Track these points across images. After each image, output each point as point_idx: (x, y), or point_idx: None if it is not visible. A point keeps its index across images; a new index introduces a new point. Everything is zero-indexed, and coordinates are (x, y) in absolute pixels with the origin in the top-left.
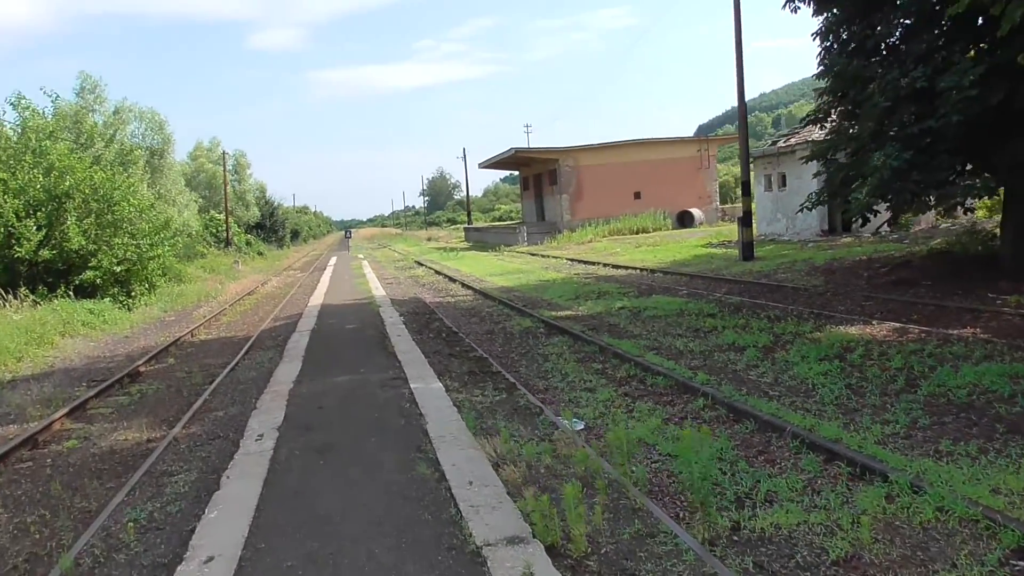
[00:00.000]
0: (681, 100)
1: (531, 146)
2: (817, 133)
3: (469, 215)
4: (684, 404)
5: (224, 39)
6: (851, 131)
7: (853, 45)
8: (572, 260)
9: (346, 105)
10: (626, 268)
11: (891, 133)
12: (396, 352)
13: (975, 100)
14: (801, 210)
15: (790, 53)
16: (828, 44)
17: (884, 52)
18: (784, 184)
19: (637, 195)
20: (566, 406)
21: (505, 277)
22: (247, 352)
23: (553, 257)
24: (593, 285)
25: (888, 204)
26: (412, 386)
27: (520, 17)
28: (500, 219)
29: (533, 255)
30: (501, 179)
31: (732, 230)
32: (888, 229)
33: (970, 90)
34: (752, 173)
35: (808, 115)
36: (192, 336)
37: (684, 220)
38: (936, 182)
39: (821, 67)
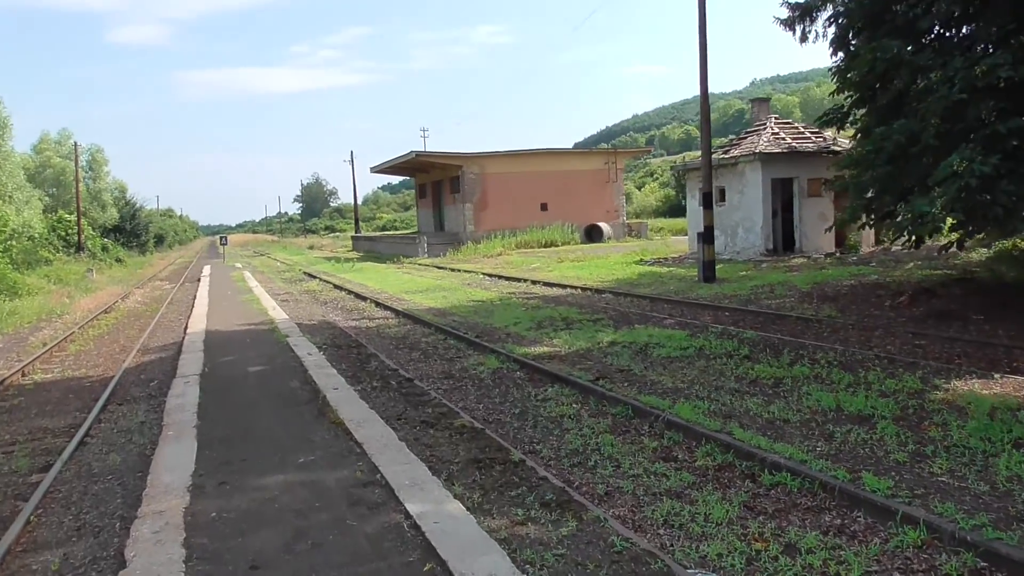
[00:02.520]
0: (557, 118)
1: (432, 150)
2: (763, 144)
3: (357, 223)
4: (878, 537)
5: (81, 30)
6: (892, 133)
7: (895, 26)
8: (490, 275)
9: (217, 107)
10: (564, 287)
11: (960, 133)
12: (343, 420)
13: None
14: (752, 227)
15: (657, 79)
16: (852, 26)
17: (932, 37)
18: (723, 199)
19: (544, 207)
20: (666, 535)
21: (426, 295)
22: (105, 406)
23: (466, 271)
24: (545, 309)
25: (958, 220)
26: (409, 507)
27: (397, 27)
28: (383, 228)
29: (441, 268)
30: (381, 187)
31: (650, 245)
32: (836, 251)
33: None
34: (686, 185)
35: (822, 117)
36: (23, 376)
37: (592, 234)
38: None
39: (841, 54)
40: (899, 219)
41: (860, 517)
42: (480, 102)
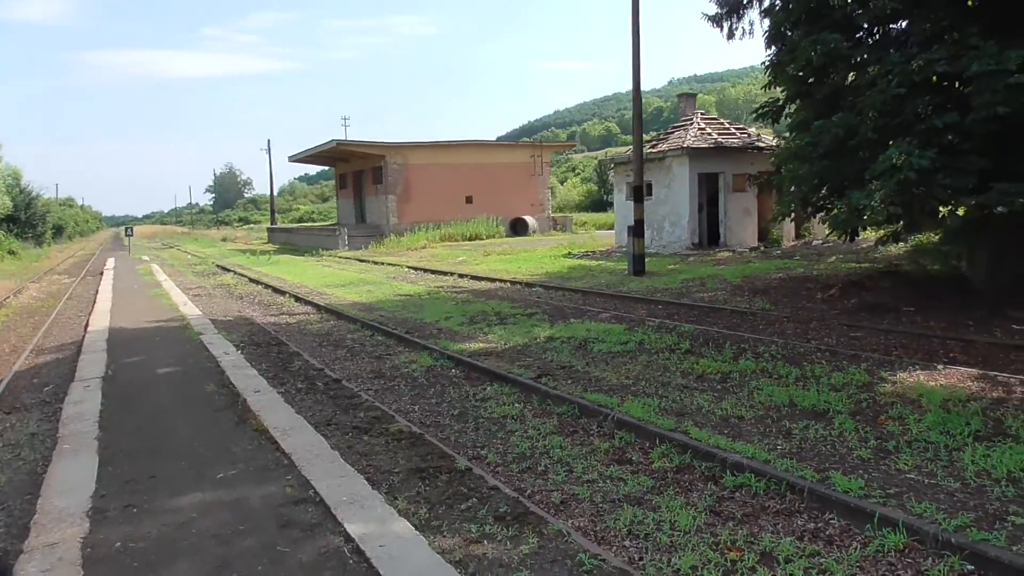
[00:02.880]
0: (480, 112)
1: (354, 139)
2: (690, 139)
3: (273, 214)
4: (856, 542)
5: None
6: (830, 126)
7: (833, 21)
8: (416, 269)
9: (123, 91)
10: (493, 281)
11: (891, 127)
12: (268, 427)
13: (1020, 90)
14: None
15: (578, 75)
16: (789, 19)
17: (869, 32)
18: (650, 193)
19: (469, 199)
20: (633, 548)
21: (349, 289)
22: None
23: (391, 264)
24: (476, 303)
25: (895, 214)
26: (349, 528)
27: (316, 14)
28: (300, 220)
29: (363, 261)
30: (298, 178)
31: (577, 239)
32: (759, 245)
33: (1018, 76)
34: (614, 180)
35: (757, 109)
36: None
37: (517, 228)
38: (966, 188)
39: (774, 48)
40: (835, 212)
41: (834, 520)
42: (403, 93)
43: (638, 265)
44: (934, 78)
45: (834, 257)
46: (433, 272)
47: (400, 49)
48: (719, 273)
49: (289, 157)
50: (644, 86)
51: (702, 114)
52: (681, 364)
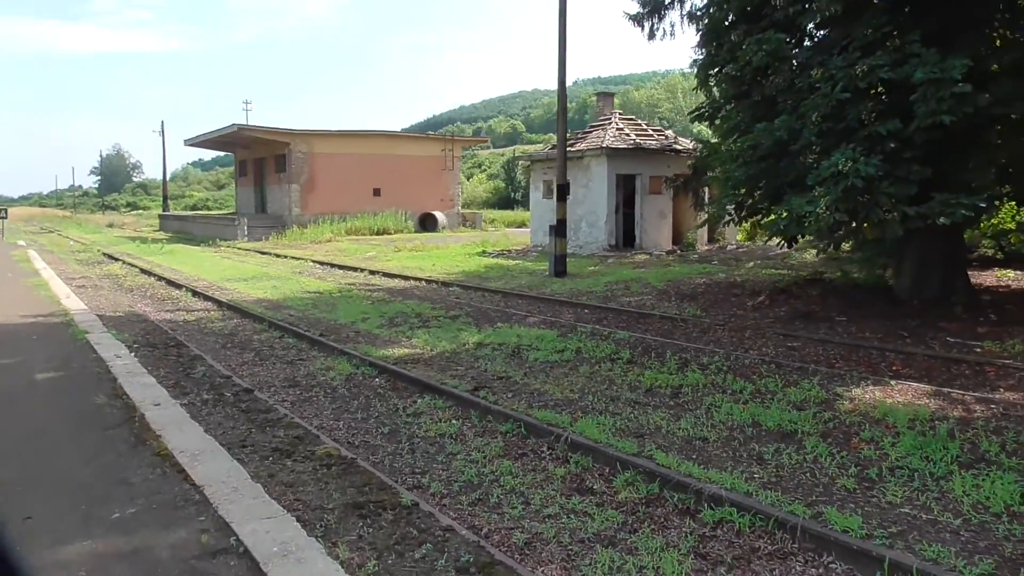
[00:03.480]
0: (385, 104)
1: (256, 124)
2: (609, 139)
3: (166, 200)
4: None
5: None
6: (773, 129)
7: (773, 22)
8: (323, 263)
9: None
10: (407, 278)
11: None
12: (172, 450)
13: (964, 99)
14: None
15: (484, 71)
16: (726, 18)
17: (811, 35)
18: (568, 192)
19: (376, 192)
20: None
21: (252, 284)
22: None
23: (295, 258)
24: (393, 303)
25: (840, 221)
26: None
27: None
28: (194, 208)
29: (264, 253)
30: (192, 163)
31: (490, 237)
32: (675, 248)
33: (962, 85)
34: (531, 177)
35: (695, 111)
36: None
37: (426, 223)
38: (907, 197)
39: (707, 48)
40: (775, 219)
41: (835, 564)
42: (307, 80)
43: (559, 266)
44: (877, 84)
45: (752, 263)
46: (342, 267)
47: (304, 33)
48: (641, 276)
49: (185, 141)
50: (548, 86)
51: (619, 114)
52: (626, 376)
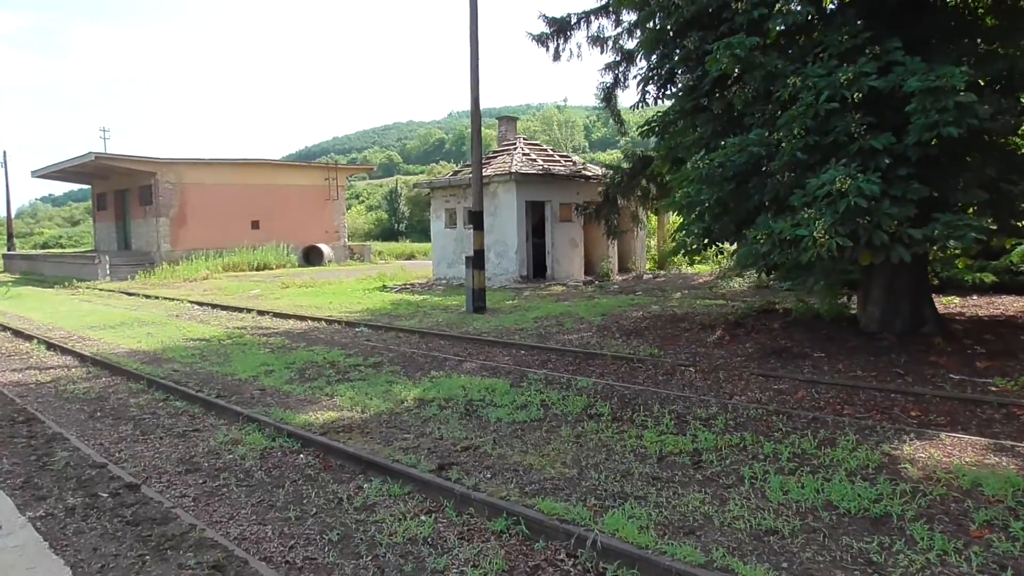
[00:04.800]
0: (258, 135)
1: (117, 153)
2: (517, 164)
3: (11, 238)
4: None
5: None
6: (747, 145)
7: (734, 27)
8: (203, 304)
9: None
10: (304, 319)
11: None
12: None
13: (968, 110)
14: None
15: (358, 100)
16: (677, 23)
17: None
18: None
19: (255, 224)
20: None
21: (121, 332)
22: None
23: (168, 299)
24: (298, 350)
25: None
26: None
27: (63, 17)
28: (45, 246)
29: (132, 295)
30: (41, 198)
31: (385, 269)
32: (590, 279)
33: (966, 95)
34: (432, 205)
35: (645, 125)
36: None
37: (311, 257)
38: (907, 219)
39: (648, 59)
40: (751, 245)
41: None
42: (172, 109)
43: (479, 301)
44: (857, 95)
45: (678, 293)
46: (225, 308)
47: (169, 62)
48: (568, 310)
49: (33, 172)
50: (424, 117)
51: (524, 139)
52: (622, 440)
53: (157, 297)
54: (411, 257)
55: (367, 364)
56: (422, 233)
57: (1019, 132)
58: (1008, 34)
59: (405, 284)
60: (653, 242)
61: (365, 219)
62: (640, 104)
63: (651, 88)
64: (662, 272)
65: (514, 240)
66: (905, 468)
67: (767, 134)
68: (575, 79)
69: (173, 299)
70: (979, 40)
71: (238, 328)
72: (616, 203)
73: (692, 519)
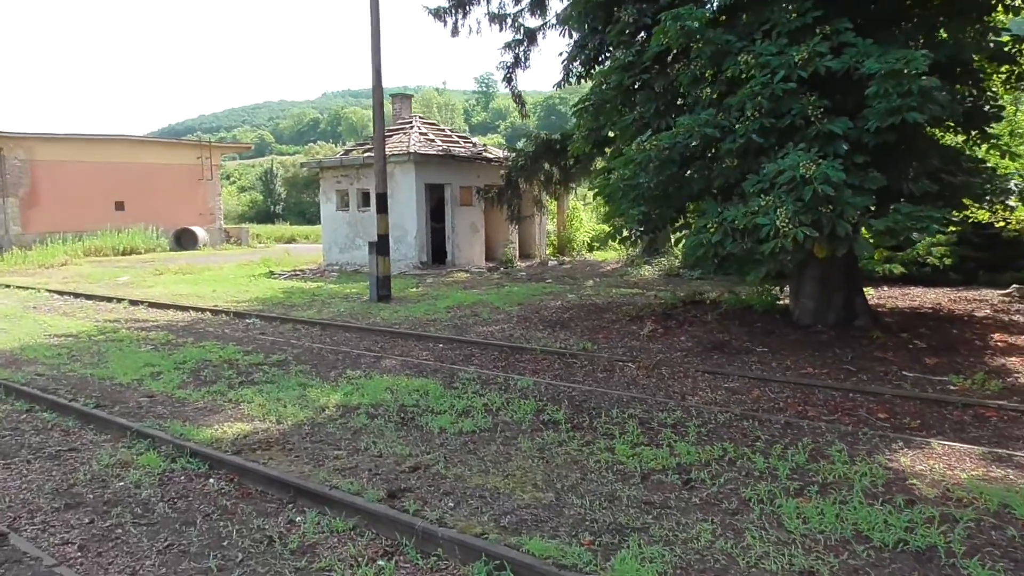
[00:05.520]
0: (118, 109)
1: None
2: (415, 144)
3: None
4: None
5: None
6: (698, 126)
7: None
8: (64, 293)
9: None
10: (185, 309)
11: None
12: None
13: (929, 95)
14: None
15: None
16: None
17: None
18: (367, 203)
19: (120, 205)
20: None
21: None
22: None
23: (21, 288)
24: (186, 347)
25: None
26: None
27: None
28: None
29: None
30: None
31: (269, 254)
32: (493, 265)
33: (928, 79)
34: (321, 187)
35: (577, 104)
36: None
37: (183, 240)
38: (866, 207)
39: (582, 31)
40: (701, 233)
41: None
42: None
43: (383, 289)
44: (808, 76)
45: (590, 281)
46: (91, 298)
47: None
48: (481, 299)
49: None
50: (297, 97)
51: (420, 118)
52: (591, 453)
53: (8, 286)
54: (291, 240)
55: (270, 363)
56: (300, 215)
57: (954, 122)
58: (954, 18)
59: (294, 270)
60: (551, 227)
61: (238, 200)
62: (563, 83)
63: (576, 65)
64: (566, 259)
65: (413, 224)
66: (914, 484)
67: (716, 115)
68: (454, 63)
69: (28, 288)
70: (929, 24)
71: (110, 321)
72: (519, 187)
73: (712, 559)
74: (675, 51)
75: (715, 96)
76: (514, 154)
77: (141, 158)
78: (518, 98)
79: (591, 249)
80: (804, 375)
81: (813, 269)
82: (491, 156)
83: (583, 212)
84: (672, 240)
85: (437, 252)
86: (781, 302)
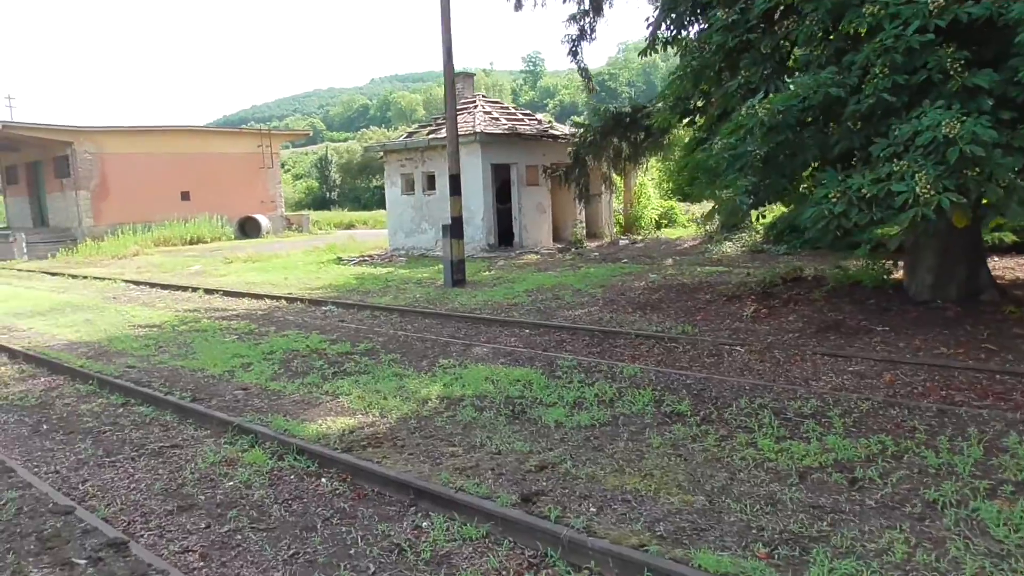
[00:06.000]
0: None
1: (26, 121)
2: (480, 124)
3: None
4: None
5: None
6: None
7: None
8: (139, 283)
9: None
10: (261, 297)
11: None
12: None
13: None
14: None
15: (275, 67)
16: None
17: None
18: (432, 187)
19: (185, 195)
20: None
21: (54, 320)
22: None
23: (98, 278)
24: (271, 336)
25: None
26: None
27: None
28: None
29: (56, 274)
30: None
31: (335, 240)
32: (563, 246)
33: None
34: (386, 171)
35: (682, 67)
36: None
37: (247, 228)
38: (1019, 169)
39: None
40: (822, 203)
41: None
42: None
43: (458, 274)
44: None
45: (669, 260)
46: (167, 287)
47: (71, 24)
48: (559, 281)
49: None
50: (346, 84)
51: (483, 96)
52: (732, 448)
53: (85, 277)
54: (350, 226)
55: (359, 352)
56: (355, 201)
57: None
58: None
59: (361, 256)
60: (617, 206)
61: (294, 188)
62: (649, 50)
63: (663, 31)
64: (637, 237)
65: (480, 206)
66: None
67: (844, 72)
68: (499, 45)
69: (104, 278)
70: None
71: (190, 311)
72: (586, 165)
73: None
74: (782, 7)
75: (829, 54)
76: (582, 130)
77: (204, 148)
78: (584, 72)
79: (659, 227)
80: (938, 356)
81: (934, 240)
82: (557, 133)
83: (650, 189)
84: (753, 216)
85: (503, 234)
86: (893, 276)
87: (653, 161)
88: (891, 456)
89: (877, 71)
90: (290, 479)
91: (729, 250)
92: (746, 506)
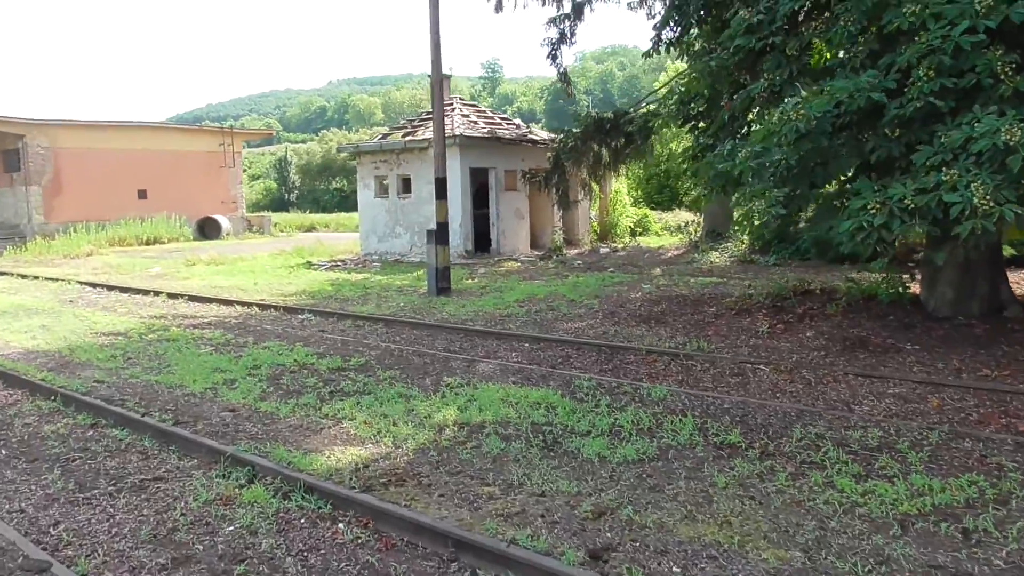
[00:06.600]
0: (125, 101)
1: None
2: (459, 126)
3: None
4: None
5: None
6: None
7: None
8: (96, 285)
9: None
10: (231, 303)
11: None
12: None
13: None
14: None
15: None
16: None
17: None
18: (408, 190)
19: (143, 194)
20: None
21: (7, 325)
22: None
23: (52, 279)
24: (248, 347)
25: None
26: None
27: None
28: None
29: (5, 274)
30: None
31: (302, 243)
32: (543, 253)
33: None
34: (359, 173)
35: (694, 71)
36: None
37: (206, 229)
38: None
39: None
40: (859, 214)
41: None
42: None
43: (443, 282)
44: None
45: (656, 269)
46: (127, 291)
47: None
48: (550, 291)
49: None
50: (304, 85)
51: (460, 99)
52: (809, 490)
53: (37, 277)
54: (311, 229)
55: (353, 368)
56: (314, 203)
57: None
58: None
59: (332, 260)
60: (592, 213)
61: (252, 189)
62: (653, 51)
63: (667, 31)
64: (616, 245)
65: (458, 211)
66: None
67: (884, 75)
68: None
69: (58, 279)
70: None
71: (156, 317)
72: (566, 170)
73: None
74: (808, 7)
75: (863, 56)
76: (562, 135)
77: (163, 145)
78: (564, 76)
79: (633, 235)
80: (982, 378)
81: (955, 253)
82: (537, 138)
83: (625, 196)
84: (735, 225)
85: (479, 240)
86: (909, 291)
87: (623, 169)
88: (997, 501)
89: (922, 74)
90: (301, 524)
91: (717, 260)
92: (855, 565)
